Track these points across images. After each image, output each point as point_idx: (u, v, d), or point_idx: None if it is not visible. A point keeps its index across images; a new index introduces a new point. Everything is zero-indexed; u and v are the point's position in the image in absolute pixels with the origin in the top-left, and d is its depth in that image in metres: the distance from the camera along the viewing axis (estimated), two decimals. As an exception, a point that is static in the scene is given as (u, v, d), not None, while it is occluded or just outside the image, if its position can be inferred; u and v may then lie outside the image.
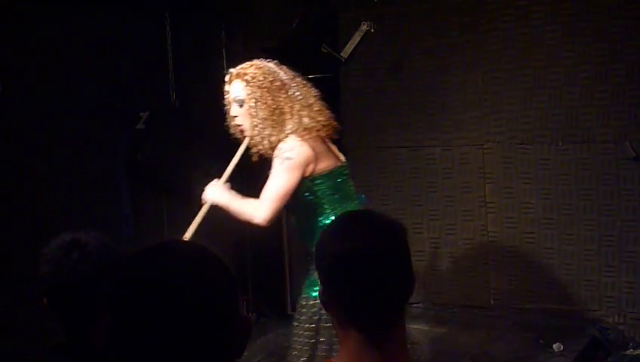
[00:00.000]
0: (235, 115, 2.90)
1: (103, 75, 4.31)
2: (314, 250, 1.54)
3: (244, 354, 1.19)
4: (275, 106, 2.82)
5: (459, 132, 5.03)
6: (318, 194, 2.88)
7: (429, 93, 5.10)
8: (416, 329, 4.68)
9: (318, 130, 2.86)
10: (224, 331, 1.13)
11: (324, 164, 2.86)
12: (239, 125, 2.91)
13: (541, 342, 4.38)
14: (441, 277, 5.13)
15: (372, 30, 5.17)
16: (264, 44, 5.26)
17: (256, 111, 2.82)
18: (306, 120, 2.84)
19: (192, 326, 1.09)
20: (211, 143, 5.06)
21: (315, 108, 2.88)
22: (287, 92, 2.86)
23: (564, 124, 4.66)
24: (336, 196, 2.90)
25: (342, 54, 5.22)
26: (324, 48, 5.16)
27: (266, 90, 2.83)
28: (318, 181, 2.86)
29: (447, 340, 4.60)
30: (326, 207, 2.88)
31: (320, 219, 2.89)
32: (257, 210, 2.84)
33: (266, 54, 5.33)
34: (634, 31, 4.41)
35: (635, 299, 4.51)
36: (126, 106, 4.47)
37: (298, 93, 2.88)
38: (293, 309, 5.44)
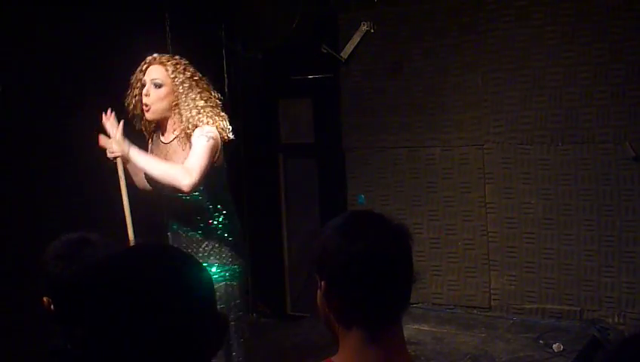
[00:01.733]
0: (151, 94, 3.06)
1: (103, 75, 4.30)
2: (315, 247, 1.54)
3: (247, 353, 1.20)
4: (193, 96, 3.06)
5: (459, 132, 5.03)
6: (216, 183, 3.10)
7: (429, 93, 5.10)
8: (416, 329, 4.69)
9: (222, 129, 3.09)
10: (198, 329, 1.14)
11: (222, 159, 3.11)
12: (147, 105, 3.06)
13: (541, 342, 4.38)
14: (441, 277, 5.13)
15: (372, 30, 5.17)
16: (264, 44, 5.27)
17: (185, 94, 3.05)
18: (216, 117, 3.07)
19: (164, 326, 1.10)
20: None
21: (222, 114, 3.13)
22: (202, 88, 3.11)
23: (564, 124, 4.66)
24: (221, 189, 3.16)
25: (342, 54, 5.22)
26: (324, 48, 5.16)
27: (188, 78, 3.08)
28: (219, 171, 3.09)
29: (447, 340, 4.60)
30: (218, 197, 3.12)
31: (211, 207, 3.11)
32: (186, 175, 2.94)
33: (266, 54, 5.38)
34: (634, 31, 4.41)
35: (634, 299, 4.52)
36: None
37: (210, 95, 3.14)
38: (294, 309, 5.50)
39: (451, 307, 5.10)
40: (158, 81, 3.05)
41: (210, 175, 2.99)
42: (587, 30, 4.54)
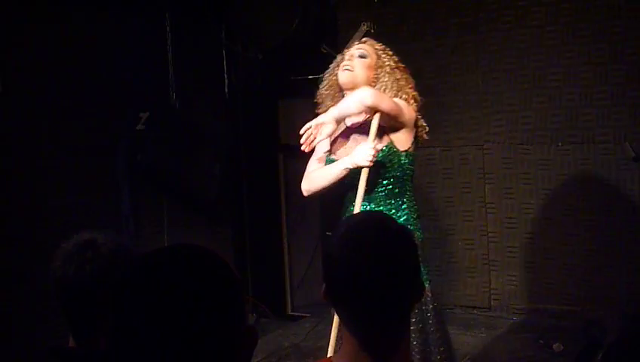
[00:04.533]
0: (354, 61, 3.01)
1: (103, 75, 4.31)
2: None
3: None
4: (397, 77, 3.06)
5: (459, 132, 5.02)
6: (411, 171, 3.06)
7: (429, 93, 5.08)
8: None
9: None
10: (229, 341, 1.10)
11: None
12: (349, 68, 2.99)
13: (541, 342, 4.37)
14: (441, 277, 5.12)
15: (372, 30, 5.16)
16: (264, 44, 5.27)
17: (385, 72, 3.04)
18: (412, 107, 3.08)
19: (196, 336, 1.06)
20: (211, 143, 5.07)
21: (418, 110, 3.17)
22: (406, 76, 3.10)
23: (564, 124, 4.66)
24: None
25: (342, 54, 5.22)
26: (324, 48, 5.15)
27: (395, 62, 3.11)
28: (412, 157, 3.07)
29: (447, 340, 4.59)
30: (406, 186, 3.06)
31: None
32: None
33: (266, 54, 5.38)
34: (634, 31, 4.41)
35: (635, 299, 4.51)
36: (126, 106, 4.47)
37: (412, 84, 3.14)
38: (293, 309, 5.50)
39: (451, 307, 5.09)
40: (363, 52, 3.03)
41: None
42: (587, 30, 4.54)
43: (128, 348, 1.08)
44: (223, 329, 1.10)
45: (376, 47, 3.11)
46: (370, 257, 1.43)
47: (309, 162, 3.15)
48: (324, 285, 1.50)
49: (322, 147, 3.11)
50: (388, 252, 1.45)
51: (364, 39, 3.17)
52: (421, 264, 2.83)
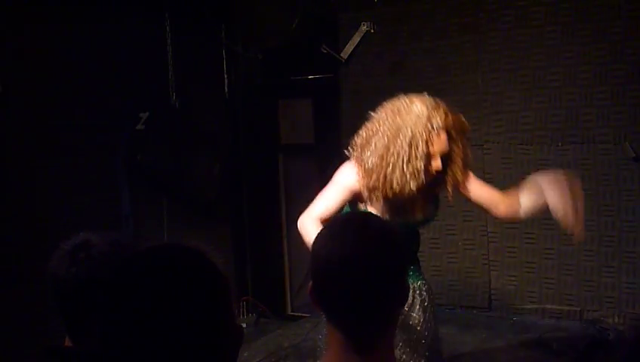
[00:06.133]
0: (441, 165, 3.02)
1: (103, 75, 4.31)
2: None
3: (245, 354, 1.18)
4: (460, 159, 3.14)
5: (459, 132, 5.02)
6: None
7: (429, 93, 5.07)
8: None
9: None
10: (215, 340, 1.12)
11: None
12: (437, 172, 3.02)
13: (541, 342, 4.37)
14: (441, 277, 5.13)
15: (372, 31, 5.17)
16: (264, 44, 5.27)
17: (454, 156, 3.12)
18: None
19: (182, 334, 1.08)
20: (211, 143, 5.07)
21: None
22: (463, 144, 3.18)
23: (564, 124, 4.66)
24: None
25: (342, 55, 5.22)
26: (324, 48, 5.16)
27: (461, 138, 3.15)
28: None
29: (447, 340, 4.59)
30: None
31: None
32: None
33: (266, 54, 5.38)
34: (634, 31, 4.41)
35: (635, 299, 4.51)
36: (126, 106, 4.48)
37: (468, 142, 3.25)
38: (293, 309, 5.50)
39: (451, 307, 5.09)
40: (445, 153, 3.03)
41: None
42: (587, 30, 4.54)
43: (115, 348, 1.09)
44: (206, 327, 1.11)
45: (451, 129, 3.08)
46: (352, 253, 1.44)
47: (327, 197, 3.03)
48: (310, 282, 1.51)
49: (350, 183, 3.03)
50: (370, 249, 1.46)
51: (437, 120, 3.06)
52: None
